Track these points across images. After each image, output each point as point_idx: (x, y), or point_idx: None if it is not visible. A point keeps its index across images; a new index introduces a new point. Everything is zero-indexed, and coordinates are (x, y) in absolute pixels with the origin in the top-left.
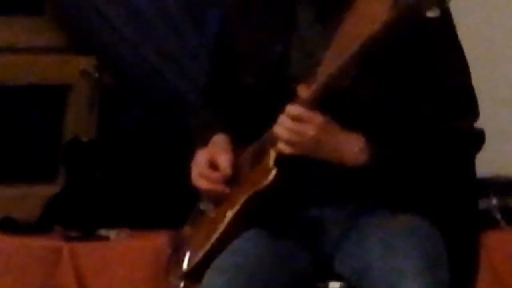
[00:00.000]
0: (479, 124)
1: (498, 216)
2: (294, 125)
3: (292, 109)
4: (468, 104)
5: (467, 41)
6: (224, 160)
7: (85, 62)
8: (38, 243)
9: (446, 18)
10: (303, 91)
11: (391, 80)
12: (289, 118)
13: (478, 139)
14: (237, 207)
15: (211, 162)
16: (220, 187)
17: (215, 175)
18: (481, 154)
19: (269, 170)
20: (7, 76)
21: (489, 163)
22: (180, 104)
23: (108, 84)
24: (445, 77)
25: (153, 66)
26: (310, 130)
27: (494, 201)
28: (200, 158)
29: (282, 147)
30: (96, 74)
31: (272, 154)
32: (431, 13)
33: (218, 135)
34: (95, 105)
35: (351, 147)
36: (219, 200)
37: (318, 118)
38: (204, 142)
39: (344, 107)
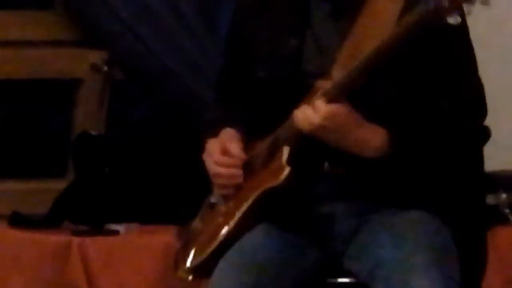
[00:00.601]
0: (489, 118)
1: (507, 211)
2: (316, 119)
3: (315, 103)
4: (478, 103)
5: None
6: (236, 147)
7: (95, 57)
8: (47, 238)
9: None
10: (324, 86)
11: (406, 79)
12: (311, 112)
13: (484, 135)
14: (248, 203)
15: (223, 149)
16: (236, 171)
17: (230, 159)
18: (490, 149)
19: (282, 169)
20: (17, 70)
21: (498, 158)
22: (189, 99)
23: (117, 78)
24: (458, 76)
25: (162, 61)
26: (315, 119)
27: (503, 196)
28: (212, 147)
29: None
30: (106, 69)
31: (285, 152)
32: (452, 20)
33: (226, 129)
34: (104, 100)
35: (374, 140)
36: (230, 194)
37: (341, 108)
38: (214, 136)
39: (360, 106)
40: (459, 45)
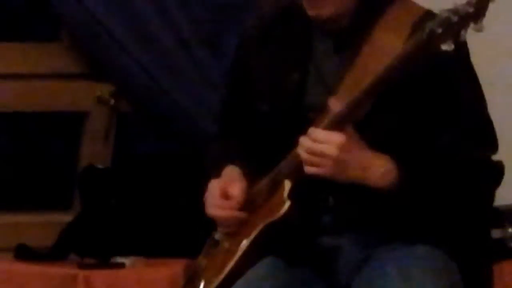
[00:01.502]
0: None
1: None
2: (314, 146)
3: (314, 130)
4: (486, 136)
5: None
6: (237, 189)
7: (101, 89)
8: (53, 271)
9: (462, 49)
10: (334, 105)
11: (409, 112)
12: (310, 140)
13: (497, 171)
14: (251, 238)
15: (223, 192)
16: (234, 213)
17: (228, 203)
18: None
19: (283, 202)
20: (23, 103)
21: (504, 192)
22: (196, 133)
23: (124, 111)
24: (463, 109)
25: (170, 95)
26: (330, 150)
27: (509, 230)
28: (213, 189)
29: (306, 169)
30: (112, 101)
31: (287, 186)
32: (446, 47)
33: (229, 167)
34: (111, 133)
35: (377, 166)
36: (233, 231)
37: (338, 137)
38: (217, 174)
39: (364, 138)
40: (461, 76)
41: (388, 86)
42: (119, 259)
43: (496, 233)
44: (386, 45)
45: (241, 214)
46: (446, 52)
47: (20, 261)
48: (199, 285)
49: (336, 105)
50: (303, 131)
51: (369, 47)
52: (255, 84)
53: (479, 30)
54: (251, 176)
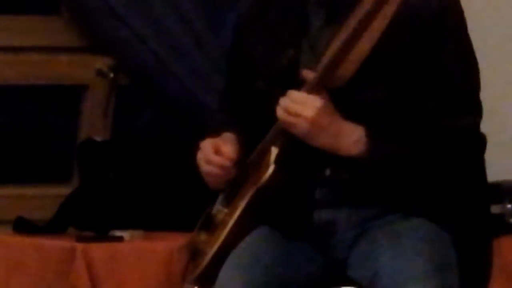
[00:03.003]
0: (496, 129)
1: None
2: (292, 106)
3: (292, 92)
4: (470, 102)
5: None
6: (228, 147)
7: (100, 63)
8: (52, 244)
9: (455, 14)
10: (307, 75)
11: (394, 79)
12: (288, 100)
13: (479, 140)
14: (241, 207)
15: (215, 148)
16: (224, 168)
17: (220, 158)
18: (495, 159)
19: (268, 167)
20: (23, 76)
21: (504, 168)
22: (194, 105)
23: (122, 84)
24: (447, 76)
25: (168, 68)
26: (307, 111)
27: (509, 206)
28: (205, 146)
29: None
30: (112, 75)
31: (273, 152)
32: None
33: (226, 133)
34: (110, 106)
35: (349, 135)
36: (228, 201)
37: (317, 101)
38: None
39: (345, 105)
40: (449, 42)
41: (373, 56)
42: (118, 233)
43: (495, 209)
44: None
45: (231, 170)
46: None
47: (18, 234)
48: (204, 259)
49: (308, 74)
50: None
51: (359, 15)
52: (252, 62)
53: None
54: (247, 148)
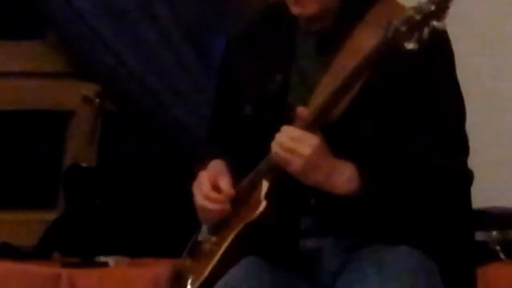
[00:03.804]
0: (479, 155)
1: (498, 248)
2: (289, 142)
3: (289, 129)
4: (459, 142)
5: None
6: (226, 182)
7: (87, 88)
8: (37, 270)
9: (442, 54)
10: (302, 113)
11: (384, 115)
12: (284, 136)
13: (465, 178)
14: (230, 238)
15: (213, 183)
16: (225, 208)
17: (219, 196)
18: (480, 186)
19: (259, 203)
20: (8, 101)
21: (489, 194)
22: (180, 132)
23: (109, 110)
24: (436, 114)
25: (154, 93)
26: (303, 149)
27: (494, 233)
28: (203, 180)
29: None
30: (98, 101)
31: (264, 186)
32: (410, 46)
33: (216, 161)
34: (96, 132)
35: (342, 174)
36: (216, 230)
37: (312, 139)
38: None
39: (336, 140)
40: (439, 80)
41: (364, 91)
42: (103, 259)
43: (480, 236)
44: (366, 45)
45: (229, 208)
46: (410, 51)
47: (3, 260)
48: (185, 285)
49: (303, 112)
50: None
51: (349, 47)
52: (241, 87)
53: (442, 28)
54: (235, 176)
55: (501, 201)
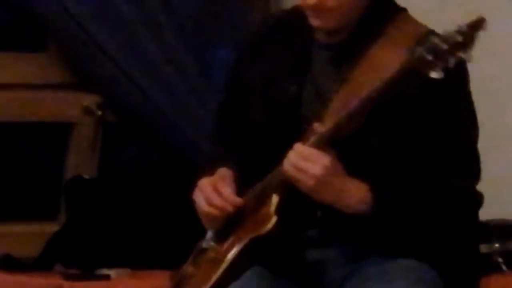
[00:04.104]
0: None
1: (500, 260)
2: (300, 162)
3: (301, 147)
4: (469, 166)
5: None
6: (228, 190)
7: (88, 100)
8: (38, 282)
9: (457, 75)
10: (317, 128)
11: (398, 133)
12: (297, 155)
13: (475, 201)
14: (236, 250)
15: (214, 188)
16: (223, 213)
17: (222, 202)
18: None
19: (270, 217)
20: (9, 113)
21: (491, 207)
22: (180, 142)
23: (110, 121)
24: (449, 137)
25: (156, 106)
26: (315, 169)
27: (496, 245)
28: (205, 186)
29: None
30: (99, 112)
31: (274, 200)
32: (434, 74)
33: (221, 169)
34: (97, 143)
35: (354, 194)
36: (221, 238)
37: (325, 158)
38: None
39: (349, 157)
40: (454, 102)
41: (377, 108)
42: (104, 271)
43: (483, 248)
44: (382, 63)
45: (231, 212)
46: (434, 79)
47: (5, 271)
48: None
49: (319, 128)
50: (296, 142)
51: (366, 63)
52: (250, 93)
53: (468, 60)
54: (241, 182)
55: (503, 213)
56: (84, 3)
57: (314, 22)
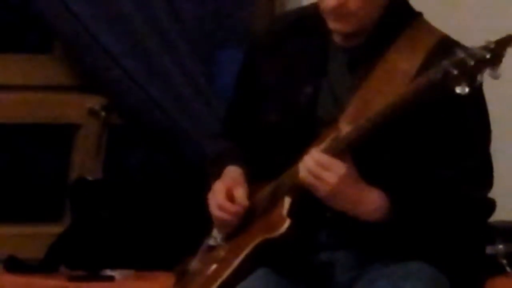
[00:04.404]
0: None
1: (504, 261)
2: (316, 169)
3: (318, 154)
4: (485, 177)
5: None
6: (241, 193)
7: (92, 102)
8: (43, 283)
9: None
10: (343, 128)
11: (416, 142)
12: (314, 162)
13: (489, 208)
14: (246, 251)
15: (228, 193)
16: (237, 218)
17: (234, 207)
18: None
19: (282, 221)
20: (14, 115)
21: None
22: (186, 144)
23: (115, 123)
24: (468, 147)
25: (160, 106)
26: (331, 177)
27: (500, 247)
28: (218, 190)
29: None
30: (104, 114)
31: (287, 203)
32: (460, 90)
33: (230, 167)
34: (102, 145)
35: (368, 202)
36: (231, 238)
37: (342, 167)
38: (218, 174)
39: (366, 163)
40: (473, 114)
41: (398, 115)
42: (109, 272)
43: (488, 250)
44: (399, 68)
45: (242, 217)
46: (459, 95)
47: (10, 273)
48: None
49: (345, 128)
50: (310, 144)
51: (382, 67)
52: (265, 93)
53: (496, 77)
54: (252, 180)
55: (508, 215)
56: (89, 5)
57: (333, 25)
